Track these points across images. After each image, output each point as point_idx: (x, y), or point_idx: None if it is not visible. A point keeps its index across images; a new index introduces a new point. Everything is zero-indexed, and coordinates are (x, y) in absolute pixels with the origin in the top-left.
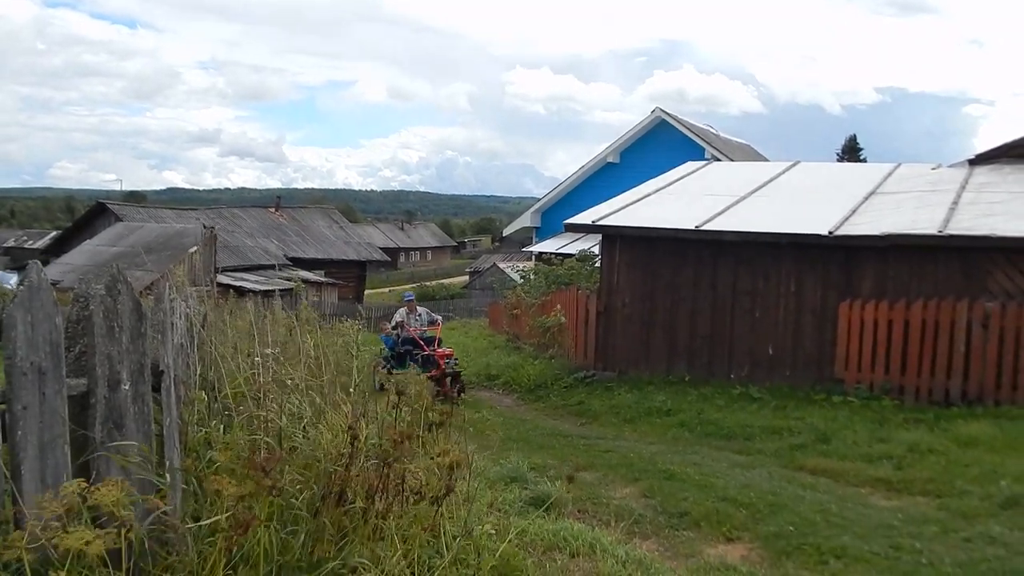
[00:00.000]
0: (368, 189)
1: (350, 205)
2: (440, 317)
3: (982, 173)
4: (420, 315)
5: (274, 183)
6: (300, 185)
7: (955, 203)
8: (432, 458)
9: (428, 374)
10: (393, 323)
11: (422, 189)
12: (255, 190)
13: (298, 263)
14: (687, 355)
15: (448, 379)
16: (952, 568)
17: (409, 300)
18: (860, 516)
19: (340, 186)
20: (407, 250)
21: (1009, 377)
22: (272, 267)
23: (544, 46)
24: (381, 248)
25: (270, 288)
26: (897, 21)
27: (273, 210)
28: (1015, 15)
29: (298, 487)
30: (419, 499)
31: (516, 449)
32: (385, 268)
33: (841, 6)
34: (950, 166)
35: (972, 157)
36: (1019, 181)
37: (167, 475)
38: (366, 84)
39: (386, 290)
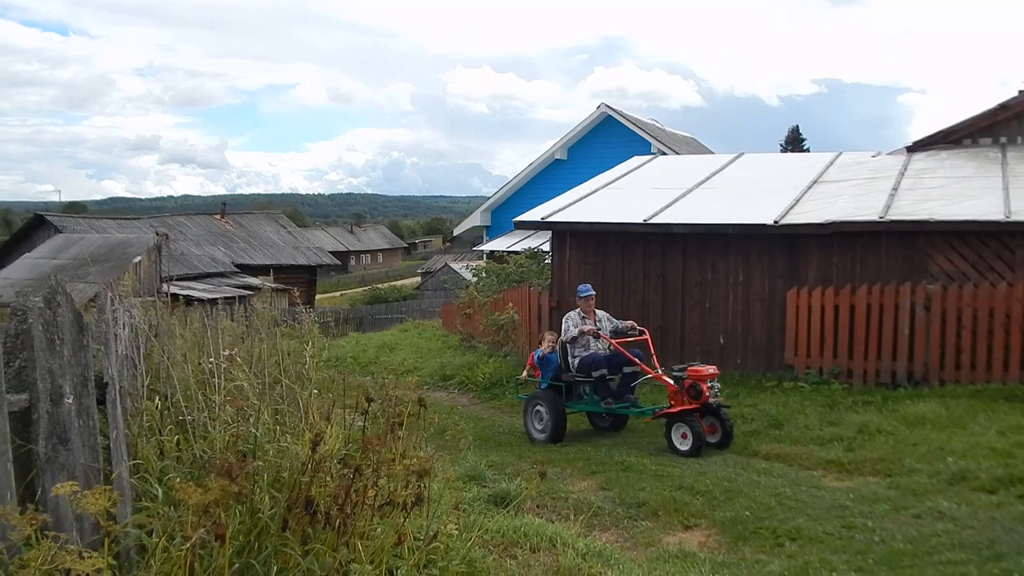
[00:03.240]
0: (315, 193)
1: (297, 209)
2: (632, 322)
3: (920, 159)
4: (600, 320)
5: (218, 189)
6: (245, 191)
7: (895, 189)
8: (396, 460)
9: (658, 411)
10: (567, 333)
11: (370, 191)
12: (199, 197)
13: (246, 270)
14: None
15: (706, 416)
16: (904, 544)
17: (587, 296)
18: (813, 498)
19: (286, 190)
20: (357, 253)
21: (952, 357)
22: (220, 275)
23: (482, 45)
24: (331, 252)
25: (218, 296)
26: (828, 13)
27: (219, 217)
28: (940, 5)
29: (266, 498)
30: (391, 509)
31: (474, 447)
32: (336, 272)
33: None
34: (889, 153)
35: (910, 144)
36: (956, 166)
37: (115, 488)
38: (306, 87)
39: (337, 294)
